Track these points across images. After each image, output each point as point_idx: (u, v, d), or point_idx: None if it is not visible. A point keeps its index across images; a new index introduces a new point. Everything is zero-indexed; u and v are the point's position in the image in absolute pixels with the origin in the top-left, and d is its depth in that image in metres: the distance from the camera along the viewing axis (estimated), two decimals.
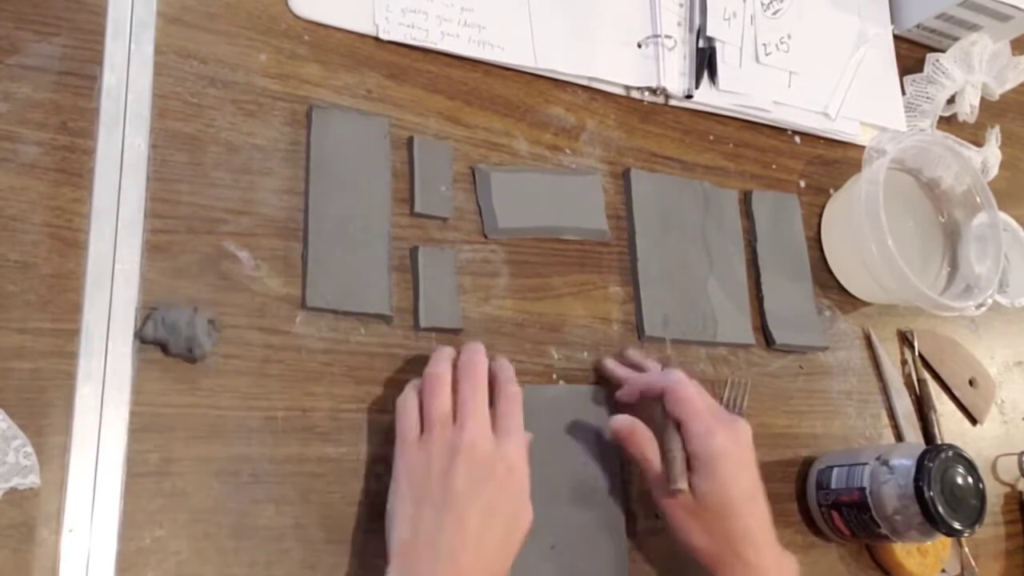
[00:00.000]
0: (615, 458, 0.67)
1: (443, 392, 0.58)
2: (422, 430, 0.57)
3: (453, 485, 0.54)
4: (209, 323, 0.57)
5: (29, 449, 0.51)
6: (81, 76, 0.59)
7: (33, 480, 0.51)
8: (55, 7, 0.60)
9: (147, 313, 0.56)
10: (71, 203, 0.56)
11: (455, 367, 0.60)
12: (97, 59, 0.60)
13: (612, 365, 0.69)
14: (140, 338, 0.56)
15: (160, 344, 0.56)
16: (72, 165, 0.57)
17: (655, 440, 0.64)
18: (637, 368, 0.68)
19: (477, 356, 0.60)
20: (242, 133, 0.63)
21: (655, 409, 0.65)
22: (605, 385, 0.69)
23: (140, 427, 0.55)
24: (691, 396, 0.62)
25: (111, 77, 0.59)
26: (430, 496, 0.54)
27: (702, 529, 0.61)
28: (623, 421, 0.65)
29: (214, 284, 0.59)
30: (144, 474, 0.54)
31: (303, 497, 0.58)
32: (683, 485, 0.60)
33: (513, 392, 0.59)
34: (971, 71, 0.97)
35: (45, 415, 0.53)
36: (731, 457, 0.61)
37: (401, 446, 0.58)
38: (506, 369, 0.61)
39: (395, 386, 0.62)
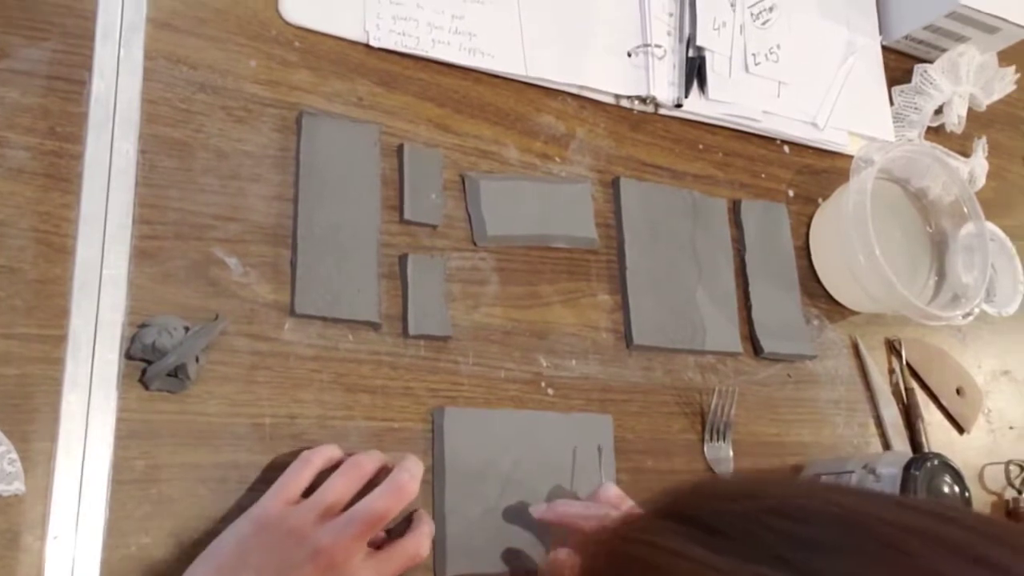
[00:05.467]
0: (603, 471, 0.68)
1: (350, 482, 0.54)
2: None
3: None
4: (201, 352, 0.56)
5: (14, 455, 0.51)
6: (70, 81, 0.59)
7: (18, 487, 0.51)
8: (44, 11, 0.59)
9: (135, 331, 0.56)
10: (59, 208, 0.56)
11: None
12: (86, 64, 0.59)
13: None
14: (128, 356, 0.55)
15: (147, 362, 0.56)
16: (60, 170, 0.57)
17: None
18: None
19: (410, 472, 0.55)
20: (231, 139, 0.63)
21: None
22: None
23: (126, 434, 0.54)
24: None
25: (100, 82, 0.59)
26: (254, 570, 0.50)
27: None
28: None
29: (202, 290, 0.59)
30: (130, 481, 0.54)
31: None
32: None
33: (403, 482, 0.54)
34: (958, 82, 0.97)
35: (31, 421, 0.52)
36: None
37: (271, 499, 0.53)
38: (407, 457, 0.56)
39: (383, 394, 0.62)
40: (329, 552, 0.50)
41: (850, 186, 0.80)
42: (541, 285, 0.71)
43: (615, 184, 0.77)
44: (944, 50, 0.97)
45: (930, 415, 0.88)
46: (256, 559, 0.50)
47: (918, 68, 0.96)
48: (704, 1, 0.84)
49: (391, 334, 0.64)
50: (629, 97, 0.80)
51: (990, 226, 0.92)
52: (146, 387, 0.55)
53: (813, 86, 0.90)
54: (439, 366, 0.65)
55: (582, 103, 0.78)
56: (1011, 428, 0.94)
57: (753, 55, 0.87)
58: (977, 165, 0.99)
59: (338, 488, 0.54)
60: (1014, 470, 0.90)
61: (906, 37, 0.97)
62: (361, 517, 0.52)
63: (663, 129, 0.82)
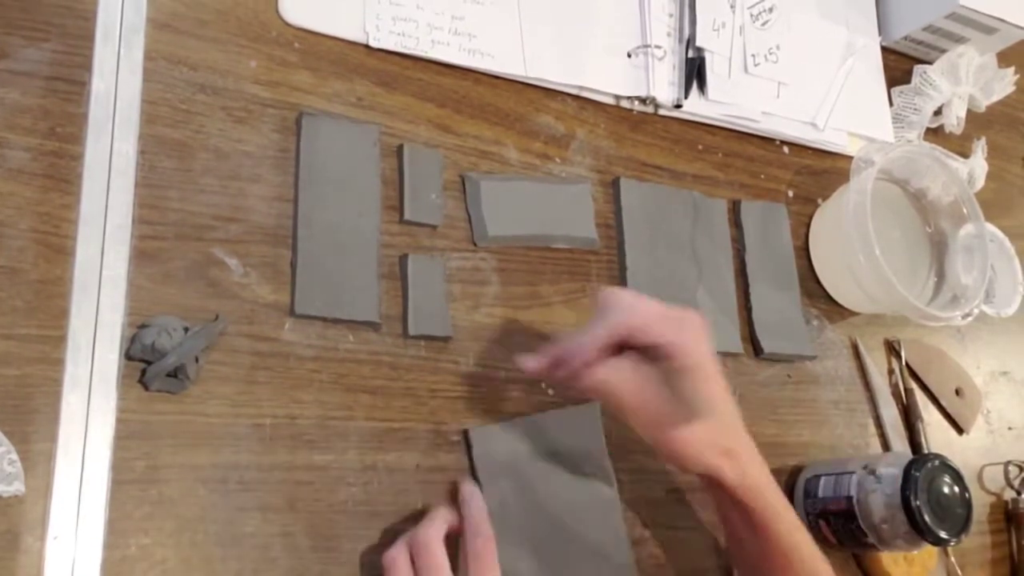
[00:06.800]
0: (611, 472, 0.67)
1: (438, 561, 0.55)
2: None
3: None
4: (201, 352, 0.56)
5: (14, 456, 0.51)
6: (70, 81, 0.59)
7: (18, 487, 0.50)
8: (45, 12, 0.59)
9: (134, 332, 0.56)
10: (59, 209, 0.56)
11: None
12: (86, 64, 0.59)
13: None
14: (127, 357, 0.55)
15: (147, 362, 0.56)
16: (60, 171, 0.57)
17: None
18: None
19: (430, 534, 0.56)
20: (231, 140, 0.63)
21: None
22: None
23: (126, 434, 0.54)
24: (634, 302, 0.59)
25: (100, 83, 0.59)
26: None
27: (720, 452, 0.59)
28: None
29: (202, 291, 0.59)
30: (130, 481, 0.54)
31: (290, 505, 0.58)
32: None
33: (479, 549, 0.56)
34: (958, 83, 0.97)
35: (31, 422, 0.52)
36: (708, 356, 0.59)
37: None
38: (472, 516, 0.58)
39: (384, 394, 0.62)
40: None
41: (850, 186, 0.81)
42: (542, 285, 0.71)
43: (615, 184, 0.77)
44: (943, 51, 0.97)
45: (929, 416, 0.88)
46: None
47: (917, 69, 0.96)
48: (704, 2, 0.84)
49: (391, 334, 0.64)
50: (629, 98, 0.80)
51: (989, 227, 0.92)
52: (146, 388, 0.55)
53: (812, 87, 0.90)
54: (439, 366, 0.65)
55: (582, 104, 0.78)
56: (1010, 429, 0.94)
57: (752, 56, 0.87)
58: (976, 166, 0.99)
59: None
60: (1013, 471, 0.90)
61: (905, 38, 0.97)
62: None
63: (663, 130, 0.82)
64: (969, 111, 0.99)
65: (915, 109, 0.96)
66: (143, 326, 0.56)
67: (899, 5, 0.97)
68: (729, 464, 0.60)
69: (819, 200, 0.88)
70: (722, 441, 0.60)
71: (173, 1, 0.64)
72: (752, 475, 0.61)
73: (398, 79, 0.70)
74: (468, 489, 0.61)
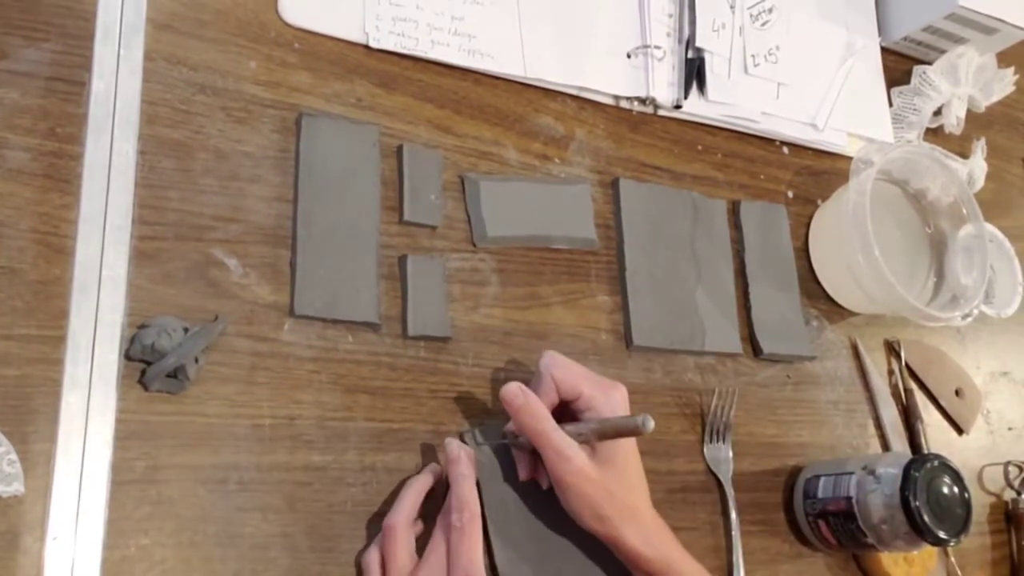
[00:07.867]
0: None
1: (399, 547, 0.56)
2: None
3: None
4: (201, 353, 0.56)
5: (13, 456, 0.51)
6: (70, 82, 0.59)
7: (17, 488, 0.50)
8: (44, 12, 0.59)
9: (134, 332, 0.56)
10: (58, 209, 0.56)
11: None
12: (86, 65, 0.59)
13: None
14: (127, 357, 0.55)
15: (146, 363, 0.56)
16: (60, 171, 0.57)
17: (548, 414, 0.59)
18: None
19: (396, 520, 0.57)
20: (231, 140, 0.63)
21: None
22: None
23: (126, 434, 0.54)
24: (574, 368, 0.62)
25: (100, 83, 0.59)
26: None
27: (607, 499, 0.58)
28: (512, 387, 0.59)
29: (202, 291, 0.59)
30: (130, 482, 0.54)
31: (289, 505, 0.58)
32: (652, 422, 0.57)
33: (464, 523, 0.56)
34: (957, 83, 0.97)
35: (30, 422, 0.52)
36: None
37: None
38: (459, 489, 0.58)
39: (383, 395, 0.62)
40: None
41: (849, 187, 0.81)
42: (541, 286, 0.71)
43: (615, 185, 0.77)
44: (943, 51, 0.97)
45: (929, 416, 0.88)
46: None
47: (917, 69, 0.96)
48: (703, 2, 0.84)
49: (391, 335, 0.64)
50: (628, 98, 0.80)
51: (989, 227, 0.92)
52: (145, 388, 0.55)
53: (812, 87, 0.90)
54: (439, 367, 0.65)
55: (581, 104, 0.78)
56: (1010, 429, 0.94)
57: (752, 56, 0.87)
58: (976, 166, 0.99)
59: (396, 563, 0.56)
60: (1013, 471, 0.90)
61: (905, 38, 0.97)
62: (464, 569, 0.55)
63: (662, 130, 0.82)
64: (969, 111, 0.99)
65: (915, 109, 0.96)
66: (143, 326, 0.56)
67: (899, 5, 0.97)
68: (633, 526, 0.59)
69: (819, 201, 0.88)
70: (620, 491, 0.59)
71: (173, 1, 0.64)
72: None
73: (398, 79, 0.70)
74: (455, 449, 0.60)
